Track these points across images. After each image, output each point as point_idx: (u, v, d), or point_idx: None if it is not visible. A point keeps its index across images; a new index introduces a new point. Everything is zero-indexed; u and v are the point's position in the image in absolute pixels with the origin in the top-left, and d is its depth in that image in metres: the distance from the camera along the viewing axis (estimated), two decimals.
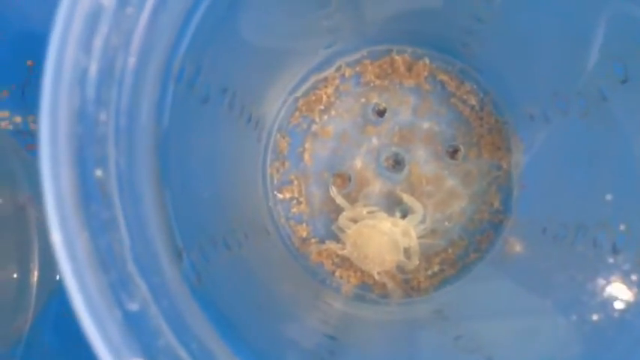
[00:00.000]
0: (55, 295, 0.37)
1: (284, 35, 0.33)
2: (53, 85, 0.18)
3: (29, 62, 0.41)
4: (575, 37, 0.31)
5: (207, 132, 0.29)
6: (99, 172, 0.18)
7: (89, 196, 0.18)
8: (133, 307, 0.18)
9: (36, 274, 0.31)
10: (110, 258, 0.18)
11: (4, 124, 0.39)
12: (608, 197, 0.31)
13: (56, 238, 0.17)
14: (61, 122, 0.18)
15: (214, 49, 0.26)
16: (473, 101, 0.41)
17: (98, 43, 0.18)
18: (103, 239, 0.18)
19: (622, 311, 0.26)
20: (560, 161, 0.36)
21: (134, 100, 0.20)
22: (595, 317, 0.30)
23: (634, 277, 0.26)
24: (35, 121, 0.39)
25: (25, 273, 0.30)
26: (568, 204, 0.34)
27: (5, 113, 0.39)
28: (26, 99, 0.40)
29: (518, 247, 0.39)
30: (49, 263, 0.33)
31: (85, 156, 0.18)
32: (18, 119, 0.40)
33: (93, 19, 0.18)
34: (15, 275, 0.30)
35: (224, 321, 0.23)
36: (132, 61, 0.20)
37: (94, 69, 0.18)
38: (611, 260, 0.29)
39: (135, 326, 0.18)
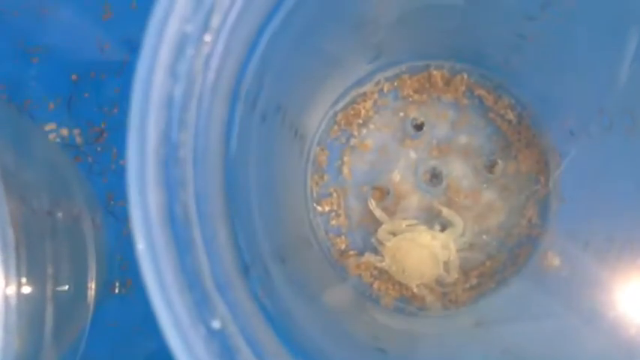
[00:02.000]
0: (102, 305, 0.38)
1: (335, 54, 0.34)
2: (141, 108, 0.18)
3: (74, 76, 0.42)
4: (619, 52, 0.31)
5: (264, 149, 0.29)
6: (181, 193, 0.19)
7: (174, 217, 0.19)
8: (216, 324, 0.19)
9: (92, 285, 0.32)
10: (193, 277, 0.19)
11: (51, 136, 0.40)
12: None
13: (144, 259, 0.18)
14: (149, 145, 0.18)
15: (274, 70, 0.26)
16: (511, 116, 0.41)
17: (183, 67, 0.19)
18: (187, 259, 0.19)
19: None
20: (601, 176, 0.36)
21: (209, 122, 0.21)
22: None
23: None
24: (81, 135, 0.40)
25: (81, 284, 0.31)
26: (612, 218, 0.34)
27: (52, 126, 0.40)
28: (72, 112, 0.41)
29: (556, 261, 0.40)
30: (99, 275, 0.34)
31: (169, 177, 0.19)
32: (64, 132, 0.40)
33: (178, 45, 0.19)
34: (71, 287, 0.30)
35: (288, 335, 0.23)
36: (209, 82, 0.20)
37: (179, 93, 0.19)
38: None
39: (217, 343, 0.18)
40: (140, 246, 0.18)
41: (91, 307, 0.31)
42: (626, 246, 0.33)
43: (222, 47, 0.20)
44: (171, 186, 0.19)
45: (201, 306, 0.18)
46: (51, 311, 0.27)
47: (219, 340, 0.18)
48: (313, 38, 0.29)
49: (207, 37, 0.20)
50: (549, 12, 0.31)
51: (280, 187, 0.35)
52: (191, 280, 0.18)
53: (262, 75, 0.25)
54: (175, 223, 0.19)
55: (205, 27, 0.19)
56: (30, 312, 0.27)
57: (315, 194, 0.42)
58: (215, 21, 0.20)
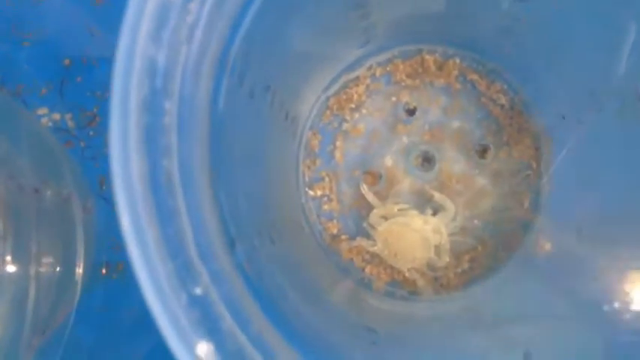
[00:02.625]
0: (92, 289, 0.38)
1: (323, 36, 0.34)
2: (124, 75, 0.18)
3: (66, 61, 0.42)
4: (612, 36, 0.31)
5: (252, 126, 0.29)
6: (165, 161, 0.19)
7: (157, 184, 0.19)
8: (197, 291, 0.19)
9: (80, 268, 0.31)
10: (176, 245, 0.19)
11: (44, 121, 0.40)
12: None
13: (125, 224, 0.18)
14: (132, 111, 0.18)
15: (261, 49, 0.26)
16: (503, 101, 0.41)
17: (166, 35, 0.19)
18: (170, 227, 0.19)
19: None
20: (593, 160, 0.36)
21: (194, 93, 0.21)
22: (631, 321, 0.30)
23: None
24: (73, 119, 0.40)
25: (69, 265, 0.31)
26: (604, 203, 0.34)
27: (44, 110, 0.40)
28: (64, 97, 0.41)
29: (548, 247, 0.40)
30: (88, 258, 0.34)
31: (152, 145, 0.19)
32: (57, 116, 0.40)
33: (162, 13, 0.19)
34: (58, 269, 0.30)
35: (273, 308, 0.23)
36: (194, 53, 0.20)
37: (162, 60, 0.19)
38: None
39: (199, 310, 0.18)
40: (123, 216, 0.18)
41: (79, 289, 0.31)
42: (619, 231, 0.33)
43: (205, 19, 0.21)
44: (154, 153, 0.19)
45: (183, 273, 0.18)
46: (34, 291, 0.27)
47: (200, 306, 0.18)
48: (299, 20, 0.29)
49: (191, 6, 0.20)
50: None
51: (271, 168, 0.35)
52: (174, 248, 0.18)
53: (248, 52, 0.25)
54: (159, 191, 0.19)
55: None
56: (14, 292, 0.27)
57: (307, 178, 0.42)
58: None
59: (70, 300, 0.32)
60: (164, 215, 0.18)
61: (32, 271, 0.29)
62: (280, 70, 0.32)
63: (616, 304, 0.32)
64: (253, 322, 0.21)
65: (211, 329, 0.18)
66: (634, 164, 0.32)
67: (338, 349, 0.26)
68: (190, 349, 0.18)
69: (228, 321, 0.19)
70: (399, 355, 0.31)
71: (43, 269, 0.30)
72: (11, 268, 0.25)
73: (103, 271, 0.35)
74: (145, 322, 0.37)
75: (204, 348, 0.18)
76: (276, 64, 0.30)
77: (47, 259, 0.31)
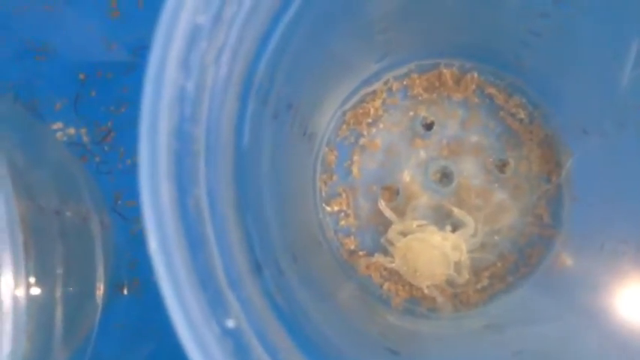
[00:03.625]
0: (110, 306, 0.37)
1: (345, 52, 0.34)
2: (153, 103, 0.18)
3: (81, 75, 0.42)
4: (633, 50, 0.31)
5: (276, 147, 0.29)
6: (194, 188, 0.19)
7: (186, 212, 0.18)
8: (230, 323, 0.18)
9: (101, 286, 0.31)
10: (207, 274, 0.18)
11: (58, 135, 0.39)
12: None
13: (156, 255, 0.17)
14: (161, 140, 0.18)
15: (286, 67, 0.26)
16: (522, 115, 0.40)
17: (195, 60, 0.18)
18: (200, 256, 0.18)
19: None
20: (615, 176, 0.36)
21: (221, 116, 0.20)
22: None
23: None
24: (87, 134, 0.40)
25: (90, 284, 0.31)
26: (627, 220, 0.34)
27: (59, 125, 0.40)
28: (79, 111, 0.41)
29: (569, 262, 0.39)
30: (107, 275, 0.34)
31: (181, 172, 0.18)
32: (71, 131, 0.40)
33: (191, 38, 0.18)
34: (80, 288, 0.30)
35: (299, 331, 0.23)
36: (221, 77, 0.20)
37: (191, 87, 0.18)
38: None
39: (232, 342, 0.18)
40: (152, 243, 0.17)
41: (100, 307, 0.31)
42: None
43: (234, 40, 0.20)
44: (183, 181, 0.18)
45: (214, 304, 0.18)
46: (60, 312, 0.27)
47: (233, 339, 0.18)
48: (322, 36, 0.29)
49: (220, 30, 0.19)
50: (561, 8, 0.30)
51: (290, 185, 0.35)
52: (204, 278, 0.18)
53: (273, 71, 0.25)
54: (188, 219, 0.18)
55: (218, 19, 0.19)
56: (39, 313, 0.26)
57: (324, 194, 0.41)
58: (227, 13, 0.19)
59: (92, 318, 0.31)
60: (194, 243, 0.18)
61: (58, 292, 0.29)
62: (302, 88, 0.31)
63: (635, 324, 0.31)
64: (281, 350, 0.21)
65: None
66: None
67: None
68: None
69: (258, 351, 0.19)
70: None
71: (67, 289, 0.30)
72: (36, 291, 0.25)
73: (125, 290, 0.35)
74: (164, 338, 0.37)
75: None
76: (299, 81, 0.30)
77: (70, 279, 0.30)
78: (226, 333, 0.18)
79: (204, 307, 0.18)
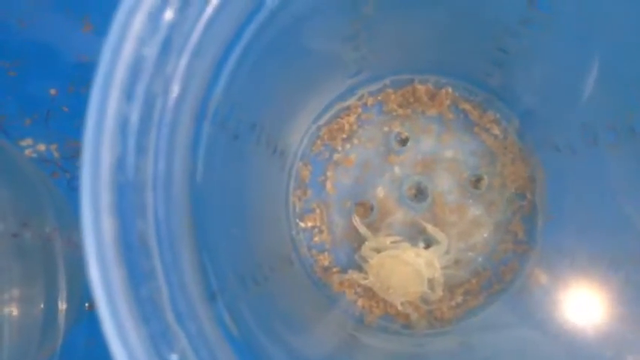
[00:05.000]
0: (79, 324, 0.37)
1: (313, 70, 0.33)
2: (95, 134, 0.17)
3: (52, 91, 0.41)
4: (605, 69, 0.31)
5: (236, 168, 0.29)
6: (139, 221, 0.18)
7: (130, 246, 0.18)
8: (174, 358, 0.18)
9: (63, 304, 0.31)
10: (151, 308, 0.18)
11: (27, 152, 0.39)
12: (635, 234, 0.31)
13: (98, 290, 0.17)
14: (103, 171, 0.17)
15: (246, 88, 0.26)
16: (496, 130, 0.40)
17: (140, 90, 0.18)
18: (143, 289, 0.18)
19: None
20: (587, 193, 0.36)
21: (171, 145, 0.20)
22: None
23: None
24: (58, 149, 0.39)
25: (51, 304, 0.30)
26: (598, 237, 0.34)
27: (29, 141, 0.40)
28: (50, 127, 0.41)
29: (543, 279, 0.39)
30: (74, 293, 0.33)
31: (125, 205, 0.18)
32: (42, 147, 0.40)
33: (136, 67, 0.18)
34: (42, 306, 0.30)
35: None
36: (169, 106, 0.20)
37: (135, 117, 0.18)
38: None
39: None
40: (93, 277, 0.17)
41: (62, 327, 0.31)
42: (613, 263, 0.32)
43: (184, 68, 0.20)
44: (127, 213, 0.18)
45: (158, 339, 0.18)
46: (7, 333, 0.26)
47: None
48: (287, 55, 0.28)
49: (168, 59, 0.19)
50: (529, 28, 0.30)
51: (257, 204, 0.35)
52: (147, 312, 0.18)
53: (231, 97, 0.24)
54: (131, 252, 0.18)
55: (165, 48, 0.19)
56: None
57: (297, 209, 0.41)
58: (176, 42, 0.19)
59: (54, 337, 0.31)
60: (137, 278, 0.18)
61: (13, 313, 0.29)
62: (267, 107, 0.31)
63: (607, 337, 0.31)
64: None
65: None
66: (630, 197, 0.32)
67: None
68: None
69: None
70: None
71: (20, 310, 0.29)
72: None
73: (87, 305, 0.34)
74: None
75: None
76: (263, 102, 0.30)
77: (27, 299, 0.30)
78: None
79: (146, 341, 0.17)
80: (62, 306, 0.31)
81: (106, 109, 0.17)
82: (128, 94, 0.18)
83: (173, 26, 0.18)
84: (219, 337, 0.21)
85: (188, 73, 0.20)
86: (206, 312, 0.21)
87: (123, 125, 0.18)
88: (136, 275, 0.18)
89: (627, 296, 0.32)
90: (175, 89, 0.20)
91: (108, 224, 0.17)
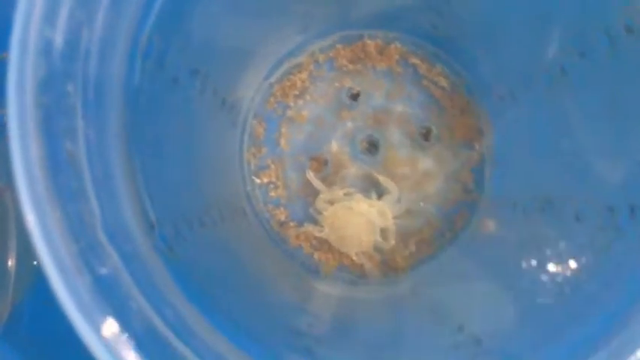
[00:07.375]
0: (35, 285, 0.37)
1: (256, 20, 0.34)
2: (19, 57, 0.18)
3: (4, 54, 0.41)
4: (539, 15, 0.32)
5: (179, 112, 0.29)
6: (68, 144, 0.19)
7: (58, 166, 0.18)
8: (103, 271, 0.18)
9: (14, 262, 0.31)
10: (80, 226, 0.19)
11: None
12: (572, 170, 0.32)
13: (26, 206, 0.18)
14: (28, 92, 0.18)
15: (183, 29, 0.26)
16: (444, 83, 0.41)
17: (63, 16, 0.19)
18: (72, 208, 0.18)
19: (580, 275, 0.27)
20: (528, 139, 0.37)
21: (102, 74, 0.21)
22: (560, 285, 0.31)
23: (595, 242, 0.27)
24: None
25: (2, 261, 0.31)
26: (536, 179, 0.35)
27: None
28: (2, 92, 0.40)
29: (491, 226, 0.40)
30: (27, 251, 0.34)
31: (53, 127, 0.19)
32: None
33: None
34: None
35: (199, 292, 0.23)
36: (97, 35, 0.20)
37: (59, 41, 0.19)
38: (574, 229, 0.30)
39: (106, 289, 0.18)
40: (23, 197, 0.18)
41: (14, 284, 0.31)
42: (547, 204, 0.34)
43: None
44: (55, 135, 0.19)
45: (88, 254, 0.18)
46: None
47: (107, 286, 0.18)
48: (227, 5, 0.29)
49: None
50: None
51: (204, 155, 0.35)
52: (77, 229, 0.18)
53: (167, 32, 0.25)
54: (60, 173, 0.18)
55: None
56: None
57: (252, 166, 0.42)
58: None
59: (7, 295, 0.31)
60: (65, 197, 0.18)
61: None
62: (210, 54, 0.31)
63: (548, 273, 0.32)
64: (172, 306, 0.21)
65: (119, 309, 0.18)
66: (563, 138, 0.33)
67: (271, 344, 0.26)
68: (96, 327, 0.18)
69: (139, 301, 0.19)
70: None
71: None
72: None
73: (35, 262, 0.34)
74: None
75: (110, 327, 0.18)
76: (205, 46, 0.30)
77: None
78: (100, 280, 0.18)
79: (75, 256, 0.18)
80: (13, 264, 0.32)
81: (29, 31, 0.18)
82: (50, 20, 0.18)
83: None
84: (156, 260, 0.22)
85: (115, 4, 0.20)
86: (144, 238, 0.22)
87: (46, 47, 0.18)
88: (65, 194, 0.18)
89: (576, 232, 0.33)
90: (101, 18, 0.20)
91: (35, 144, 0.18)
